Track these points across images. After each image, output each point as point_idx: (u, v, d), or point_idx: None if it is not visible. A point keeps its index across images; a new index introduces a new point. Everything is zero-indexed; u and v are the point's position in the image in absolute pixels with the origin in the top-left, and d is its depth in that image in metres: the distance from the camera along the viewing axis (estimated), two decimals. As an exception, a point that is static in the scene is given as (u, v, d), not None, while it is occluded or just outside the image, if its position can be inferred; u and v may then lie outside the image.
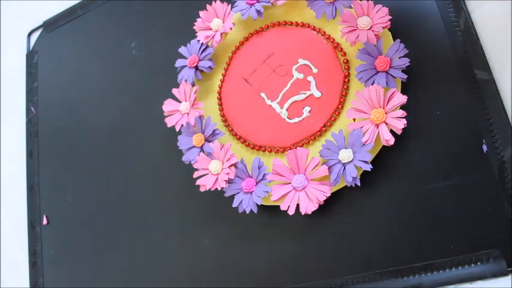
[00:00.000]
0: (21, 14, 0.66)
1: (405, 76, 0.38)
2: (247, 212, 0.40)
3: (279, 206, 0.39)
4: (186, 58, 0.48)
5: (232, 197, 0.41)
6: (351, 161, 0.37)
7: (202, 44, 0.47)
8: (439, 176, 0.37)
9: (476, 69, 0.38)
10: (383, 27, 0.39)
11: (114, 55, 0.55)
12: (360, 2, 0.40)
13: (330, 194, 0.38)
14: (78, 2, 0.60)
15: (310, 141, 0.41)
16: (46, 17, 0.62)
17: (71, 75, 0.58)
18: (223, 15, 0.47)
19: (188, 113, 0.45)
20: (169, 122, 0.46)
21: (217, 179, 0.41)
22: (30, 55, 0.62)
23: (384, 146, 0.38)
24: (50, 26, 0.62)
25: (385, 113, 0.37)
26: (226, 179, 0.41)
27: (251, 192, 0.40)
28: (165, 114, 0.47)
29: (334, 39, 0.42)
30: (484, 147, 0.36)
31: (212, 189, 0.41)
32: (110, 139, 0.53)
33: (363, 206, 0.39)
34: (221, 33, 0.46)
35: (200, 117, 0.44)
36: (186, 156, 0.44)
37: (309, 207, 0.38)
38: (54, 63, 0.60)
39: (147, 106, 0.51)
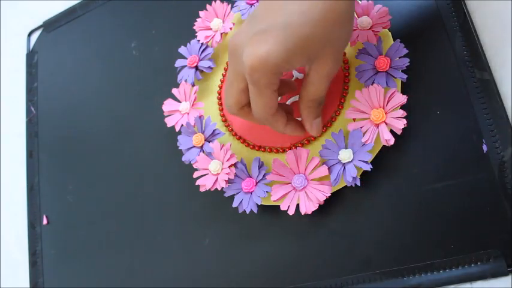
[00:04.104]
0: (21, 14, 0.66)
1: (405, 76, 0.38)
2: (247, 212, 0.40)
3: (279, 206, 0.39)
4: (186, 58, 0.48)
5: (232, 197, 0.41)
6: (351, 161, 0.37)
7: (202, 44, 0.47)
8: (439, 176, 0.37)
9: (476, 69, 0.38)
10: (383, 27, 0.39)
11: (114, 55, 0.55)
12: (360, 2, 0.40)
13: (330, 194, 0.38)
14: (78, 2, 0.60)
15: (310, 141, 0.41)
16: (46, 17, 0.62)
17: (71, 75, 0.58)
18: (223, 15, 0.47)
19: (188, 113, 0.45)
20: (169, 122, 0.46)
21: (217, 179, 0.41)
22: (30, 55, 0.62)
23: (383, 146, 0.38)
24: (50, 26, 0.62)
25: (385, 113, 0.37)
26: (226, 179, 0.41)
27: (251, 192, 0.40)
28: (165, 114, 0.47)
29: (334, 39, 0.42)
30: (484, 147, 0.36)
31: (212, 189, 0.41)
32: (110, 139, 0.53)
33: (363, 206, 0.39)
34: (221, 33, 0.46)
35: (200, 117, 0.44)
36: (186, 156, 0.44)
37: (308, 207, 0.38)
38: (54, 63, 0.60)
39: (147, 106, 0.51)
